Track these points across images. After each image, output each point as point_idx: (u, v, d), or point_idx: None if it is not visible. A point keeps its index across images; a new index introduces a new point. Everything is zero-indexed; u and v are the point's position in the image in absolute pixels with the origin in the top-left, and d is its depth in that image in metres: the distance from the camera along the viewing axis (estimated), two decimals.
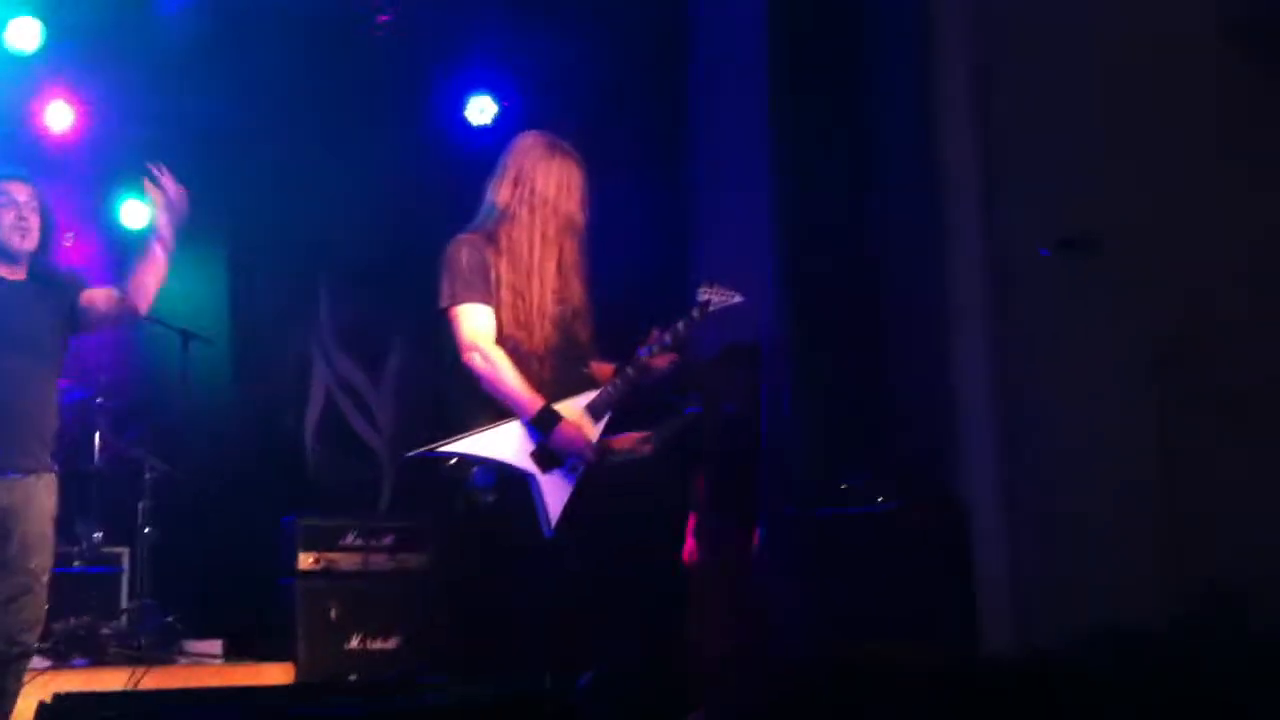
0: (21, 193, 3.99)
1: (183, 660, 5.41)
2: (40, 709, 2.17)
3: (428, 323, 3.77)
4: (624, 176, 4.24)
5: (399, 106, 6.57)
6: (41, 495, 3.92)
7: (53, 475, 4.00)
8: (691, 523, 5.43)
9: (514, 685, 3.54)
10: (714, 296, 3.93)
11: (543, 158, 3.76)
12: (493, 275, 3.66)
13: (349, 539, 5.85)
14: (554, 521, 3.61)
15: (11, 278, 3.99)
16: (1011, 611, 4.84)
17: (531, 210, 3.71)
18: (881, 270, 5.53)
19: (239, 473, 6.33)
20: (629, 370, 3.79)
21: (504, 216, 3.72)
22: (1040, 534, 4.87)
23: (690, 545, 5.42)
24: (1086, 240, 4.36)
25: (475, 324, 3.66)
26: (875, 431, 5.42)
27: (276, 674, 5.39)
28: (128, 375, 5.65)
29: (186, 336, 5.84)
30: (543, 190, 3.72)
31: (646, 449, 4.62)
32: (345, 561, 5.82)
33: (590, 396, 3.75)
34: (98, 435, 5.61)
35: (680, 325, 3.90)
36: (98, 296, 4.07)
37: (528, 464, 3.61)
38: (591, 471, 3.72)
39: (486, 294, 3.66)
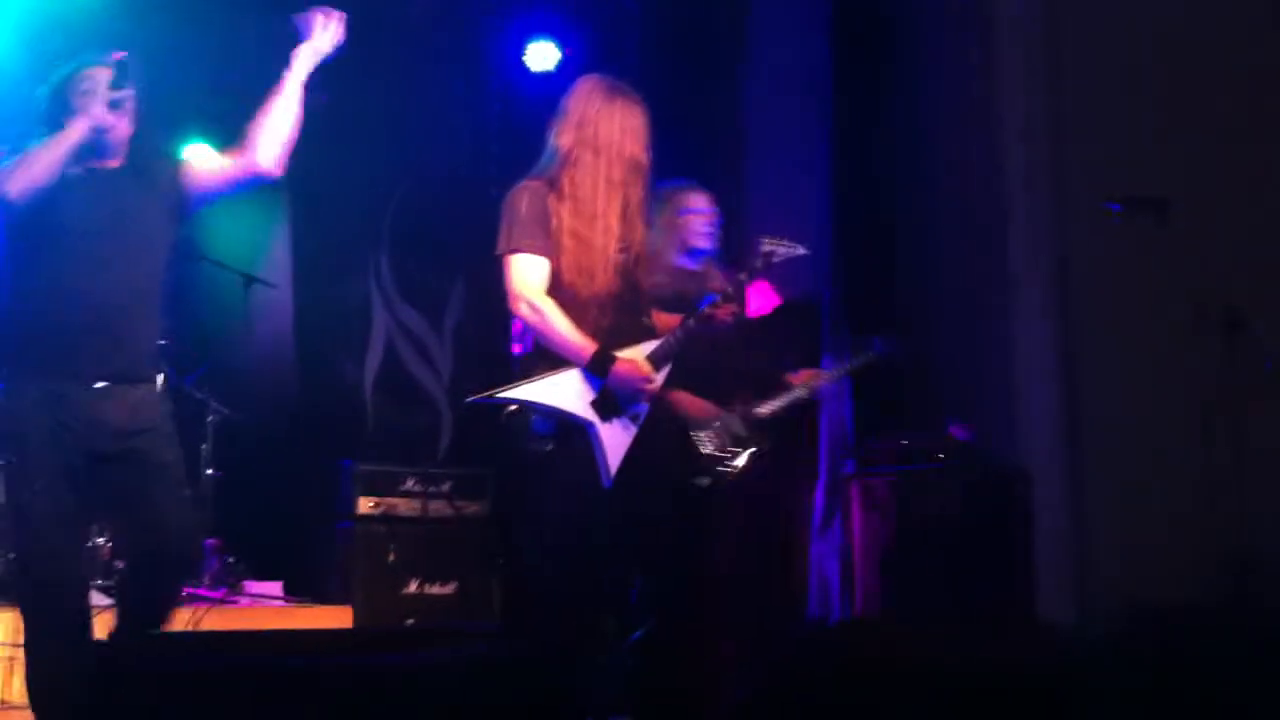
0: (108, 76, 3.55)
1: (243, 600, 5.48)
2: (100, 650, 2.16)
3: (488, 270, 3.74)
4: (679, 123, 4.19)
5: (460, 52, 6.54)
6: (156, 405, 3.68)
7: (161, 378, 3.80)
8: None
9: (564, 638, 3.53)
10: (777, 248, 3.89)
11: (605, 101, 3.69)
12: (553, 222, 3.62)
13: (408, 484, 5.89)
14: (613, 471, 3.58)
15: (106, 167, 3.62)
16: (1070, 579, 4.79)
17: (595, 154, 3.65)
18: (939, 230, 5.46)
19: (299, 417, 6.38)
20: (691, 321, 3.75)
21: (566, 161, 3.66)
22: (1101, 502, 4.80)
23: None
24: (1152, 202, 4.27)
25: (525, 273, 3.61)
26: (933, 394, 5.37)
27: (335, 616, 5.45)
28: (190, 318, 5.68)
29: (249, 280, 5.88)
30: (606, 134, 3.66)
31: (822, 382, 4.61)
32: (404, 507, 5.85)
33: (651, 346, 3.71)
34: (160, 377, 5.65)
35: (742, 276, 3.86)
36: (204, 170, 3.74)
37: (587, 412, 3.58)
38: (651, 421, 3.69)
39: (544, 242, 3.62)
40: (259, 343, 5.99)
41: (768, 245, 3.86)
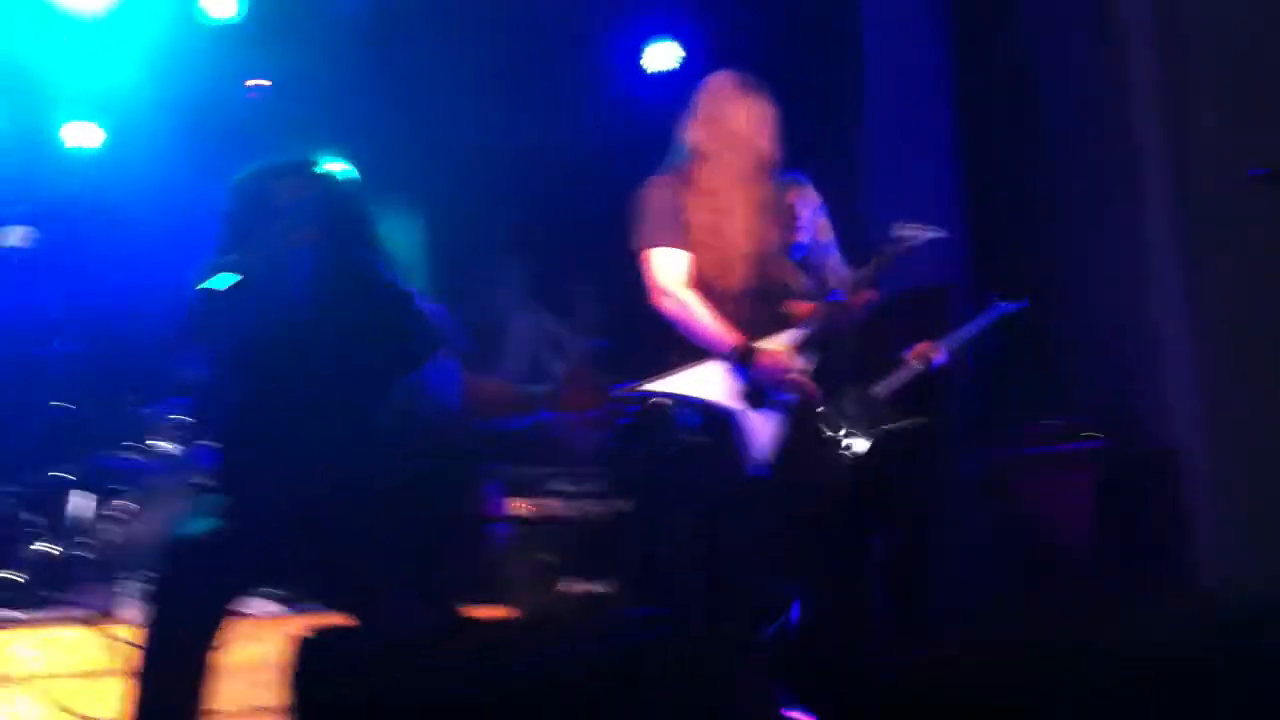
0: None
1: None
2: (303, 645, 2.30)
3: (618, 269, 3.81)
4: (798, 115, 4.22)
5: (579, 55, 6.64)
6: None
7: None
8: None
9: (717, 627, 3.59)
10: (911, 233, 3.89)
11: (734, 96, 3.75)
12: (686, 217, 3.69)
13: (557, 485, 6.00)
14: (760, 460, 3.64)
15: None
16: (1221, 557, 4.72)
17: (725, 149, 3.71)
18: (1071, 211, 5.40)
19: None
20: (827, 308, 3.79)
21: (697, 157, 3.73)
22: (1244, 480, 4.72)
23: None
24: None
25: (665, 267, 3.69)
26: (1069, 372, 5.32)
27: (490, 615, 5.57)
28: None
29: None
30: (735, 128, 3.72)
31: (938, 353, 4.58)
32: (554, 507, 5.97)
33: (789, 335, 3.76)
34: None
35: (878, 261, 3.87)
36: None
37: (732, 402, 3.65)
38: (798, 409, 3.74)
39: (679, 237, 3.69)
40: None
41: (902, 230, 3.86)
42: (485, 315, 6.96)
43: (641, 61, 6.63)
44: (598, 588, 5.92)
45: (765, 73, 3.96)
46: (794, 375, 3.69)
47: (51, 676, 4.60)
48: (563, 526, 5.93)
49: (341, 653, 2.26)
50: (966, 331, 4.71)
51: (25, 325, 5.81)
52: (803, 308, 3.89)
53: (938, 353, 4.61)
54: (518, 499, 5.93)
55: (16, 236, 3.61)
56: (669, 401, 3.67)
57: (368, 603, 3.05)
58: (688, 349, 3.67)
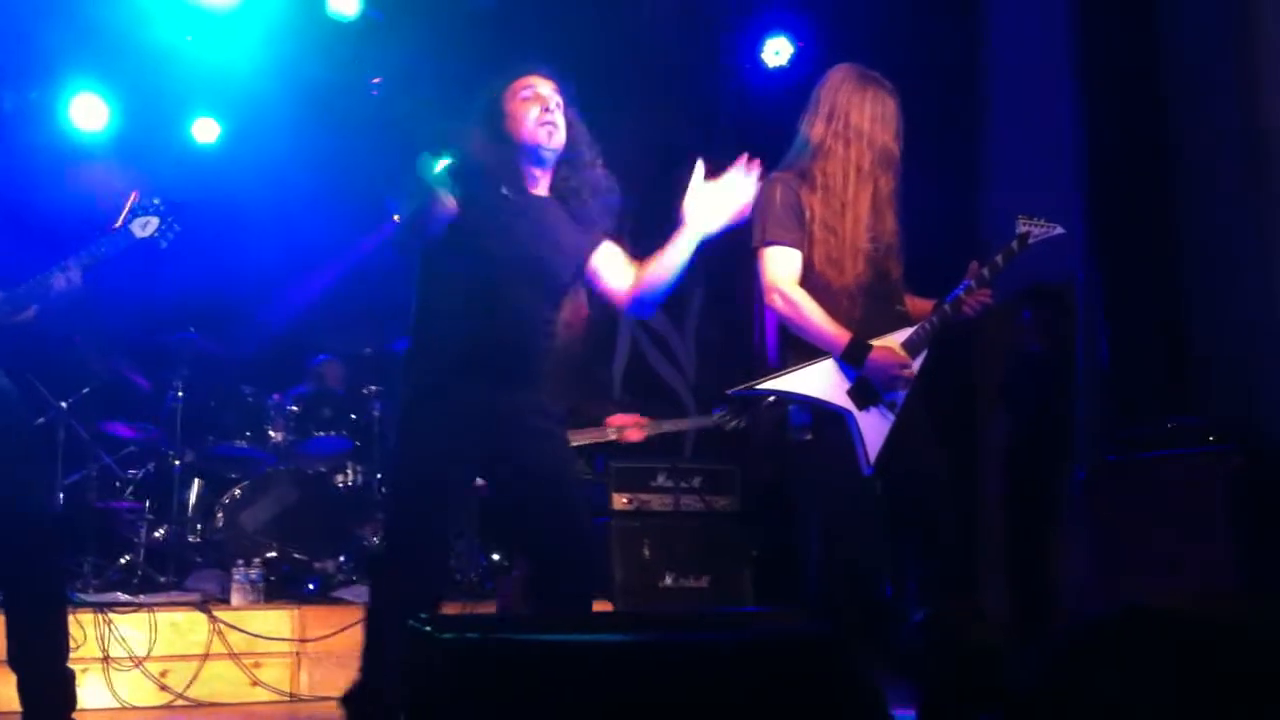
0: (545, 85, 3.41)
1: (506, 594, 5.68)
2: (410, 630, 2.30)
3: (728, 268, 3.77)
4: (917, 110, 4.14)
5: (695, 52, 6.61)
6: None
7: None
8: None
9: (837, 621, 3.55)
10: (1033, 229, 3.81)
11: (856, 90, 3.70)
12: (806, 214, 3.65)
13: (659, 480, 5.99)
14: (872, 459, 3.59)
15: (535, 192, 3.43)
16: None
17: (846, 144, 3.66)
18: (1194, 205, 5.23)
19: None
20: (945, 307, 3.72)
21: (818, 152, 3.68)
22: None
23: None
24: None
25: (779, 266, 3.65)
26: (1196, 374, 5.16)
27: (595, 610, 5.59)
28: None
29: None
30: (857, 123, 3.67)
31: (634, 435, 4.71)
32: (656, 502, 5.96)
33: (905, 334, 3.70)
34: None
35: (999, 259, 3.79)
36: (603, 263, 3.52)
37: (844, 401, 3.60)
38: (908, 408, 3.67)
39: (797, 234, 3.65)
40: None
41: (1024, 226, 3.78)
42: (593, 313, 6.96)
43: (761, 56, 6.56)
44: (698, 584, 5.90)
45: (882, 66, 3.89)
46: (907, 374, 3.62)
47: (160, 658, 4.72)
48: (663, 521, 5.93)
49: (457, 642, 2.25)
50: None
51: (153, 315, 5.97)
52: (918, 305, 3.83)
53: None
54: (620, 494, 5.94)
55: (149, 228, 3.69)
56: (780, 400, 3.63)
57: None
58: (801, 347, 3.63)
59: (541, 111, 3.36)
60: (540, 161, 3.40)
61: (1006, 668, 3.15)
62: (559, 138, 3.39)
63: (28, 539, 3.20)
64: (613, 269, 3.54)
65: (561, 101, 3.41)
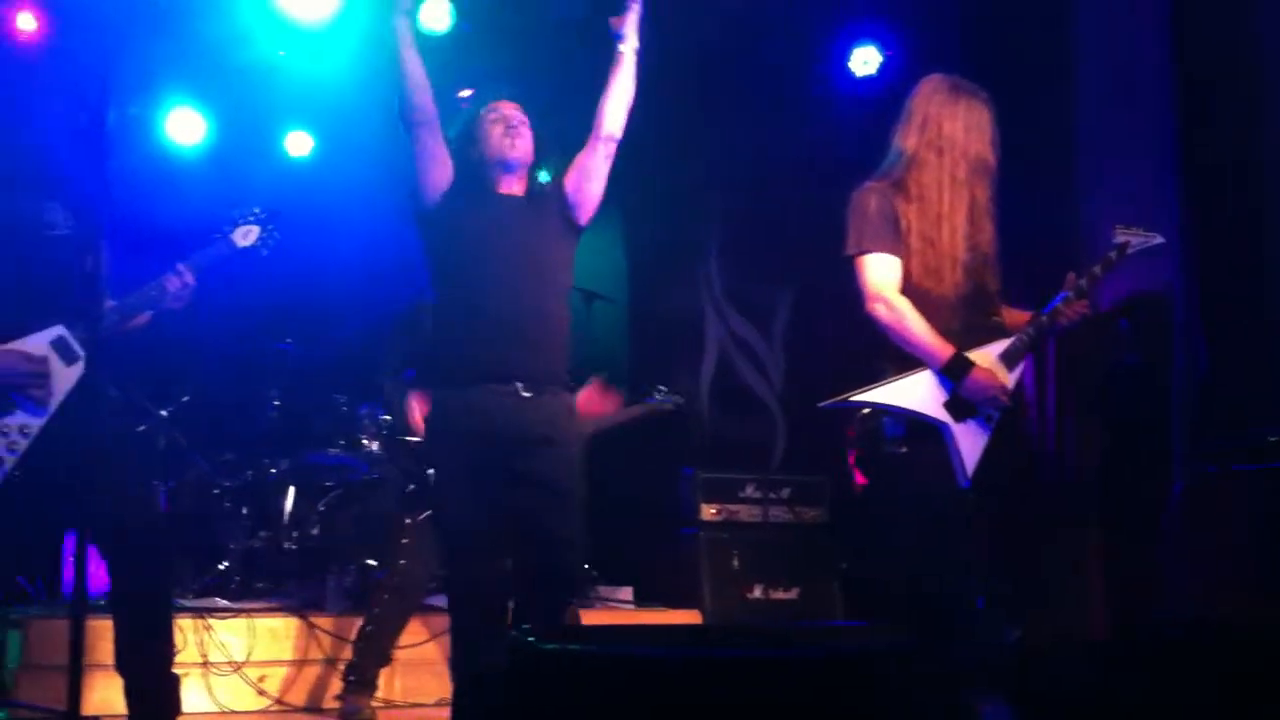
0: (509, 107, 3.84)
1: (597, 605, 5.71)
2: (513, 640, 2.33)
3: (816, 276, 3.75)
4: (1010, 119, 4.09)
5: (783, 62, 6.59)
6: (570, 414, 3.82)
7: (571, 395, 3.90)
8: None
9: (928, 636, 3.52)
10: (1132, 238, 3.75)
11: (949, 100, 3.67)
12: (902, 224, 3.62)
13: (748, 491, 5.99)
14: (970, 471, 3.55)
15: (511, 194, 3.83)
16: None
17: (940, 154, 3.63)
18: None
19: (638, 427, 6.58)
20: (1043, 317, 3.68)
21: (912, 162, 3.66)
22: None
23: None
24: None
25: (880, 273, 3.62)
26: None
27: (684, 620, 5.60)
28: None
29: (589, 296, 6.12)
30: (951, 133, 3.64)
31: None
32: (745, 513, 5.96)
33: (1003, 345, 3.65)
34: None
35: (1097, 269, 3.73)
36: (572, 174, 3.86)
37: (940, 413, 3.56)
38: (1007, 420, 3.63)
39: (894, 243, 3.62)
40: (600, 356, 6.21)
41: (1122, 235, 3.73)
42: (679, 316, 6.98)
43: (849, 65, 6.53)
44: (788, 595, 5.88)
45: (973, 75, 3.85)
46: (1005, 397, 3.59)
47: (258, 664, 4.80)
48: (752, 533, 5.92)
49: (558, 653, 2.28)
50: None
51: (248, 324, 6.08)
52: (1016, 314, 3.79)
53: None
54: (708, 504, 5.94)
55: (251, 236, 3.76)
56: (874, 412, 3.60)
57: None
58: (898, 357, 3.60)
59: (505, 129, 3.81)
60: (512, 174, 3.83)
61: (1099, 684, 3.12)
62: (525, 156, 3.84)
63: (139, 546, 3.28)
64: (576, 166, 3.88)
65: (525, 119, 3.86)
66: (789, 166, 6.68)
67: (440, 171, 3.75)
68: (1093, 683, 3.49)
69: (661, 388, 5.79)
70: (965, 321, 3.65)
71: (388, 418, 5.90)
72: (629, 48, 3.81)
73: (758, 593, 5.82)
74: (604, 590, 5.85)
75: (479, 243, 3.71)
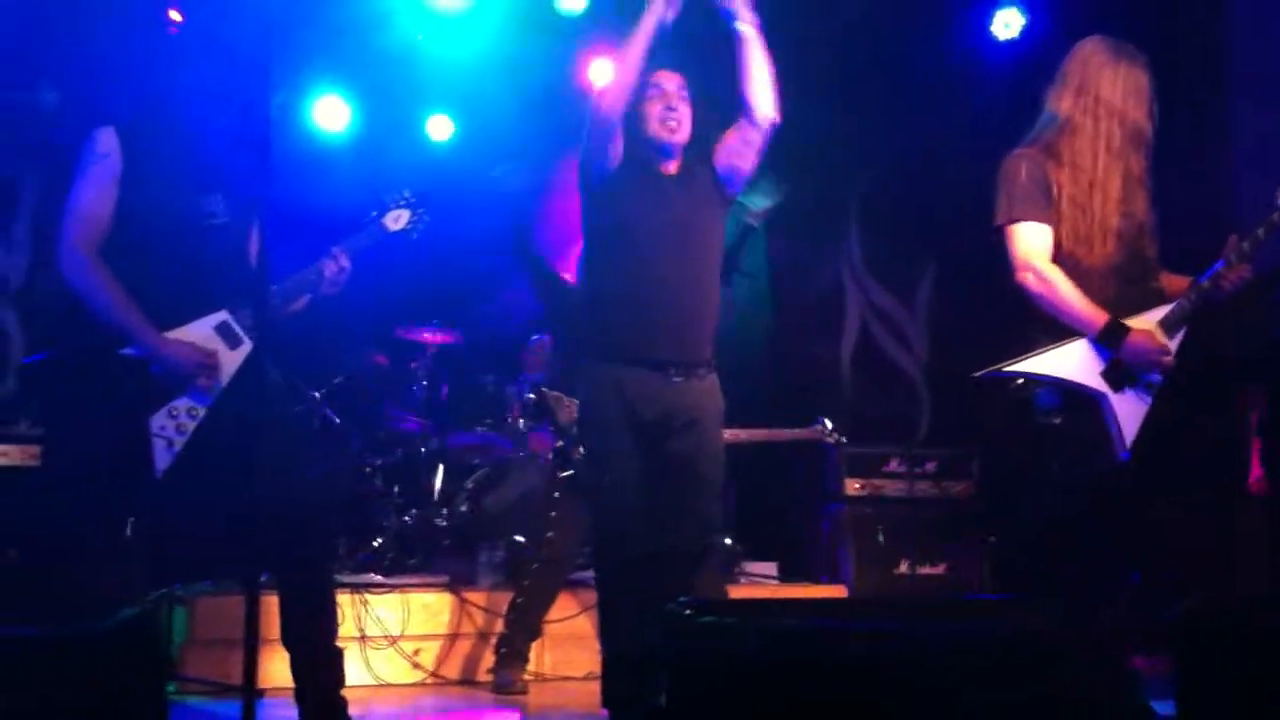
0: (670, 81, 3.80)
1: (743, 580, 5.71)
2: (669, 613, 2.34)
3: (960, 247, 3.68)
4: (1160, 84, 3.95)
5: (925, 26, 6.47)
6: (715, 394, 3.81)
7: (716, 376, 3.84)
8: (1256, 448, 5.07)
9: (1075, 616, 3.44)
10: None
11: (1107, 64, 3.57)
12: (1053, 190, 3.54)
13: (893, 465, 5.92)
14: (1129, 442, 3.46)
15: (667, 173, 3.82)
16: None
17: (1096, 120, 3.54)
18: None
19: (778, 400, 6.56)
20: (1204, 283, 3.56)
21: (1065, 127, 3.57)
22: None
23: (1256, 473, 5.06)
24: None
25: (1030, 242, 3.55)
26: None
27: (829, 595, 5.57)
28: None
29: (729, 270, 6.09)
30: (1108, 98, 3.54)
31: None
32: (890, 488, 5.90)
33: (1162, 311, 3.55)
34: None
35: (1260, 231, 3.59)
36: (722, 150, 3.83)
37: (1098, 383, 3.48)
38: (1165, 388, 3.53)
39: (1045, 210, 3.54)
40: (741, 330, 6.19)
41: None
42: (821, 288, 6.92)
43: (990, 29, 6.38)
44: (935, 570, 5.82)
45: (1119, 31, 3.74)
46: (1167, 359, 3.48)
47: (412, 638, 4.91)
48: (898, 508, 5.86)
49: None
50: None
51: (395, 306, 6.20)
52: (1175, 283, 3.67)
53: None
54: (852, 479, 5.89)
55: (401, 220, 3.83)
56: (1028, 383, 3.53)
57: None
58: (1051, 327, 3.53)
59: (664, 109, 3.76)
60: (665, 152, 3.80)
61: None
62: (683, 133, 3.79)
63: (303, 523, 3.36)
64: (726, 144, 3.83)
65: (686, 94, 3.80)
66: (930, 136, 6.56)
67: (615, 149, 3.74)
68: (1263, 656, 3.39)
69: (826, 421, 5.66)
70: (1120, 291, 3.57)
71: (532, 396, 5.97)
72: (746, 25, 3.71)
73: (904, 568, 5.77)
74: (749, 566, 5.84)
75: (639, 224, 3.73)
